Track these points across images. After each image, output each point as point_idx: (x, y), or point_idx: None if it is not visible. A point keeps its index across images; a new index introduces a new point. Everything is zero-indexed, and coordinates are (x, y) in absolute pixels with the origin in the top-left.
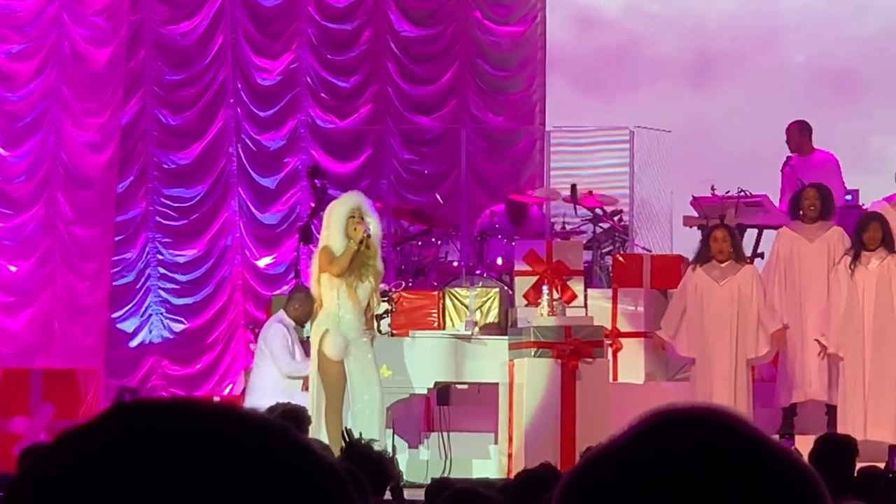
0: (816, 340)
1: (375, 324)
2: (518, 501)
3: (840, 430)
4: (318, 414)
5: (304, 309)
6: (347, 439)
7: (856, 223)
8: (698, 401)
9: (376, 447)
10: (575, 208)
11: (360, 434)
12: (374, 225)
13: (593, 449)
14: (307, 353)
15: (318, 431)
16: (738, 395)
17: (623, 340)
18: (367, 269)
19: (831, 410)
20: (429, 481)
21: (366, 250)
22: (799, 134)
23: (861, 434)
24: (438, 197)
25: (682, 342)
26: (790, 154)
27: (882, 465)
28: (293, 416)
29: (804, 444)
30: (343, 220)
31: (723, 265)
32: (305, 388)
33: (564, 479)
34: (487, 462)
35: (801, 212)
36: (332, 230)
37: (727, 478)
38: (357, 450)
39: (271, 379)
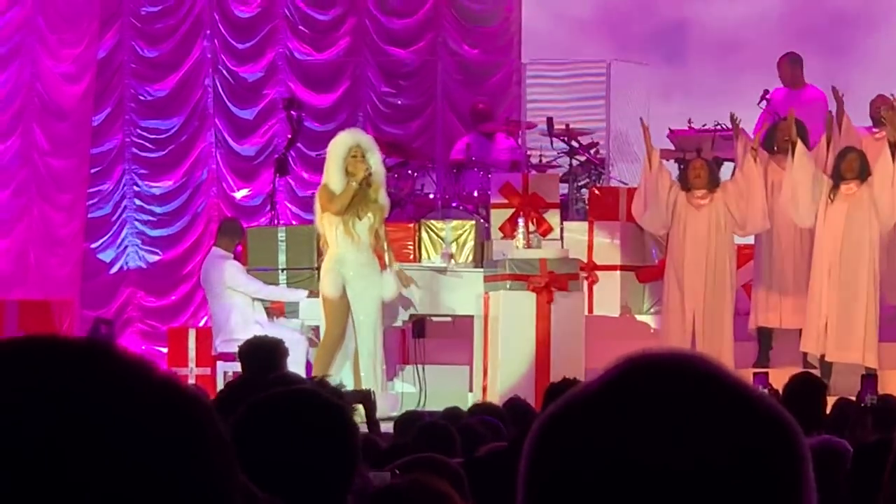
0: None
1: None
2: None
3: (803, 348)
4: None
5: (231, 239)
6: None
7: (835, 153)
8: (670, 328)
9: (331, 381)
10: (551, 141)
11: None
12: (376, 161)
13: (568, 392)
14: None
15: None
16: (715, 320)
17: (599, 273)
18: (366, 206)
19: None
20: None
21: (367, 188)
22: (790, 66)
23: (822, 351)
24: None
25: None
26: (767, 89)
27: (854, 398)
28: (269, 348)
29: (778, 379)
30: (341, 158)
31: (700, 193)
32: (276, 314)
33: (537, 423)
34: (463, 394)
35: (775, 145)
36: (331, 168)
37: (700, 424)
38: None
39: (237, 314)
